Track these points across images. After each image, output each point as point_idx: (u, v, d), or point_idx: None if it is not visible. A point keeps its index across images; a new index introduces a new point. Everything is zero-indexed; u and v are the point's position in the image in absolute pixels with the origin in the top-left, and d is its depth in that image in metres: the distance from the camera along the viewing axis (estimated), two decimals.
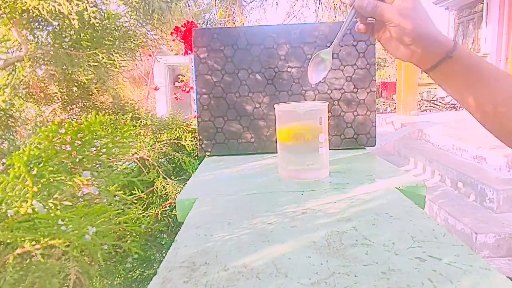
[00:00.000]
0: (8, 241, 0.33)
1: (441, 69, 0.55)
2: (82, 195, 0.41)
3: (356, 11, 0.57)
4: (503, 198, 2.46)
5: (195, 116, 1.21)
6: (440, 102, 7.60)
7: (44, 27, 0.83)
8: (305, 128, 0.74)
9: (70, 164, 0.38)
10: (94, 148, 0.42)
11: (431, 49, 0.53)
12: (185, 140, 1.26)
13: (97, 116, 0.40)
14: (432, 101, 7.79)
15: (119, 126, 0.43)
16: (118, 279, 0.93)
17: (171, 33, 1.39)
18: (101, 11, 0.83)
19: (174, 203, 1.02)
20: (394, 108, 6.62)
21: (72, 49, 0.81)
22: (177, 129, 1.29)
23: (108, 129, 0.41)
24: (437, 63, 0.54)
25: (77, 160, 0.38)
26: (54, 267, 0.38)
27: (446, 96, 8.18)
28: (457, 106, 7.01)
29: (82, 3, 0.71)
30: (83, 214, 0.36)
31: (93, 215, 0.37)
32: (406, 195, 0.64)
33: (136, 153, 1.14)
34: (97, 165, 0.41)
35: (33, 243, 0.34)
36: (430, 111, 7.12)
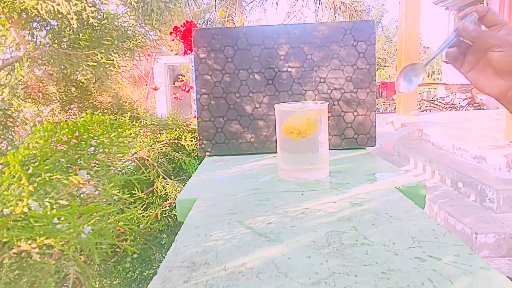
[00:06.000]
0: (4, 240, 0.33)
1: None
2: (79, 194, 0.41)
3: (457, 34, 0.55)
4: (503, 198, 2.46)
5: (195, 116, 1.21)
6: (440, 102, 7.60)
7: (43, 27, 0.82)
8: (305, 128, 0.74)
9: (66, 163, 0.38)
10: (93, 148, 0.42)
11: None
12: (185, 140, 1.26)
13: (92, 115, 0.40)
14: (432, 101, 7.79)
15: (116, 125, 0.43)
16: (117, 279, 0.93)
17: (170, 33, 1.39)
18: (100, 11, 0.83)
19: (174, 203, 1.02)
20: (394, 108, 6.62)
21: (70, 49, 0.81)
22: (177, 129, 1.29)
23: (105, 128, 0.41)
24: None
25: (73, 159, 0.38)
26: (51, 266, 0.38)
27: (446, 96, 8.17)
28: (457, 106, 7.01)
29: (81, 3, 0.71)
30: (78, 213, 0.36)
31: (87, 214, 0.37)
32: (406, 195, 0.64)
33: (136, 153, 1.14)
34: (94, 164, 0.41)
35: (29, 242, 0.34)
36: (430, 111, 7.12)
